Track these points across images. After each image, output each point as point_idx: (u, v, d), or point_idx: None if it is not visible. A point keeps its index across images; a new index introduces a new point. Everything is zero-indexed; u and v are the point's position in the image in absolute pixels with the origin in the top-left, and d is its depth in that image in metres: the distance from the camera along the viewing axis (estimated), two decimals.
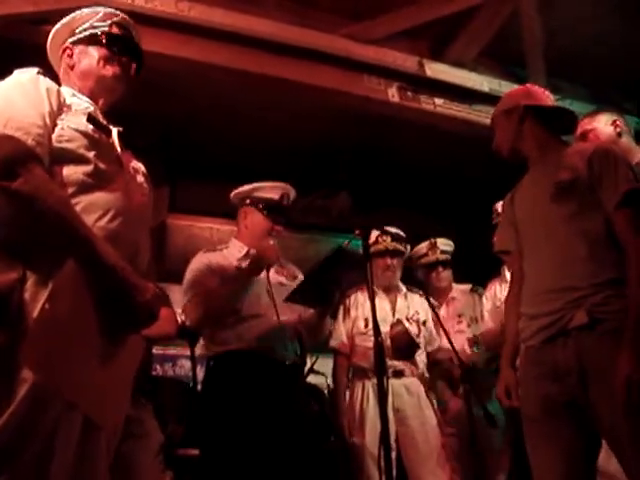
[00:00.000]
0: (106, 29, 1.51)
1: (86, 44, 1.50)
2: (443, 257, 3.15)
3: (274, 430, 2.03)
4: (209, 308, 2.15)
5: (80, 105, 1.38)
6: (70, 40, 1.52)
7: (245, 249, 2.28)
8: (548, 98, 1.89)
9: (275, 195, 2.29)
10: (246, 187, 2.36)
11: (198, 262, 2.28)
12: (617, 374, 1.44)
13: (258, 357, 2.12)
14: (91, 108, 1.40)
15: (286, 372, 2.15)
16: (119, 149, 1.42)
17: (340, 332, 2.90)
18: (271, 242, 2.22)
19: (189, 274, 2.26)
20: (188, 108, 3.70)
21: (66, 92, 1.40)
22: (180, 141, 3.96)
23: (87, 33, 1.51)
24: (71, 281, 1.16)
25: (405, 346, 2.68)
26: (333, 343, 2.92)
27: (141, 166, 1.50)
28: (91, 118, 1.35)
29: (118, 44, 1.50)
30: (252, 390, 2.05)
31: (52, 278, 1.14)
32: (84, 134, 1.31)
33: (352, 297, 2.92)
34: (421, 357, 2.80)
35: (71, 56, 1.50)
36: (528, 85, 2.03)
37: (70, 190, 1.24)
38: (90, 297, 1.18)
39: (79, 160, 1.28)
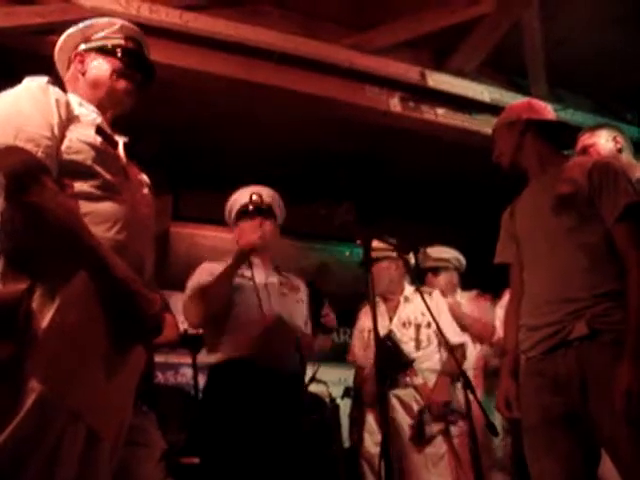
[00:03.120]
0: (122, 42, 1.52)
1: (100, 53, 1.50)
2: (433, 264, 3.24)
3: (272, 440, 2.02)
4: (206, 305, 2.17)
5: (88, 116, 1.39)
6: (83, 47, 1.52)
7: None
8: (550, 112, 1.91)
9: (245, 199, 2.36)
10: (226, 209, 2.44)
11: (199, 269, 2.32)
12: (617, 385, 1.44)
13: (257, 366, 2.12)
14: (99, 119, 1.41)
15: (285, 382, 2.15)
16: (125, 160, 1.43)
17: (353, 344, 2.93)
18: (258, 233, 2.25)
19: (192, 279, 2.30)
20: (191, 117, 3.73)
21: (74, 101, 1.40)
22: (183, 150, 3.98)
23: (101, 43, 1.52)
24: (80, 293, 1.17)
25: (389, 357, 2.66)
26: (348, 357, 2.95)
27: (145, 177, 1.51)
28: (99, 130, 1.36)
29: (132, 59, 1.52)
30: (250, 400, 2.05)
31: (60, 290, 1.15)
32: (92, 146, 1.31)
33: (363, 309, 2.94)
34: (427, 363, 2.76)
35: (82, 62, 1.51)
36: (530, 99, 2.04)
37: (78, 202, 1.25)
38: (99, 309, 1.18)
39: (87, 172, 1.28)
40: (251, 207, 2.33)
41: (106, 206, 1.28)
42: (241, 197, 2.39)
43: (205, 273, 2.27)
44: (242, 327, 2.15)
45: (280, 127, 3.85)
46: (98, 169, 1.30)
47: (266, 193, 2.38)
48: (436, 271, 3.26)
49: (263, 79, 3.25)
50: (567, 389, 1.56)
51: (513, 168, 1.87)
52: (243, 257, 2.19)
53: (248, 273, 2.25)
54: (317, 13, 3.52)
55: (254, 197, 2.35)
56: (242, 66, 3.19)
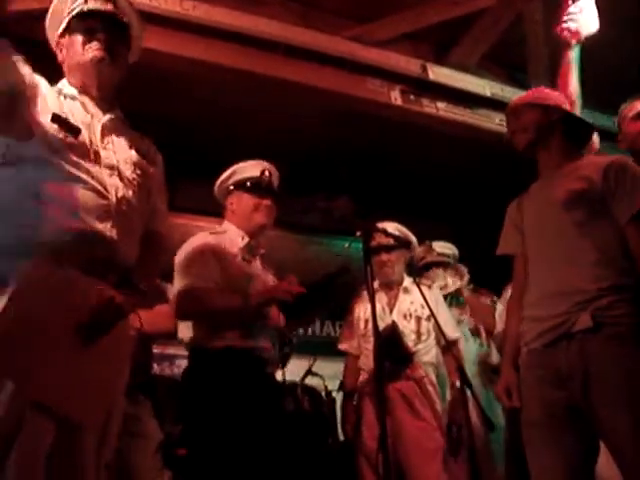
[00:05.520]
0: (80, 7, 1.40)
1: (68, 34, 1.42)
2: (438, 259, 3.22)
3: (263, 431, 2.00)
4: (203, 309, 2.06)
5: (50, 101, 1.34)
6: (57, 34, 1.44)
7: (247, 239, 2.18)
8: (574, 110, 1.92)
9: (255, 172, 2.24)
10: (226, 173, 2.30)
11: (201, 243, 2.13)
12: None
13: (247, 355, 2.06)
14: (55, 110, 1.34)
15: (272, 372, 2.12)
16: (99, 142, 1.37)
17: (348, 333, 2.90)
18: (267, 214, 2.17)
19: (189, 254, 2.11)
20: (190, 107, 3.70)
21: (43, 85, 1.35)
22: (181, 140, 3.95)
23: (66, 21, 1.42)
24: (34, 284, 1.15)
25: (392, 350, 2.64)
26: (341, 345, 2.92)
27: (133, 156, 1.45)
28: (56, 118, 1.31)
29: (91, 21, 1.39)
30: (240, 389, 2.00)
31: (13, 281, 1.13)
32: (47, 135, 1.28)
33: (358, 297, 2.92)
34: (427, 356, 2.76)
35: (61, 51, 1.44)
36: (561, 93, 2.04)
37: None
38: (55, 301, 1.17)
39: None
40: (264, 184, 2.20)
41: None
42: (250, 169, 2.24)
43: (207, 254, 2.09)
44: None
45: (279, 118, 3.82)
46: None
47: (274, 172, 2.27)
48: (441, 266, 3.26)
49: (262, 70, 3.23)
50: (568, 382, 1.56)
51: (528, 151, 1.83)
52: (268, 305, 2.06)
53: (250, 257, 2.18)
54: (317, 4, 3.50)
55: (266, 173, 2.22)
56: (241, 56, 3.17)
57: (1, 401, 1.07)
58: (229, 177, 2.29)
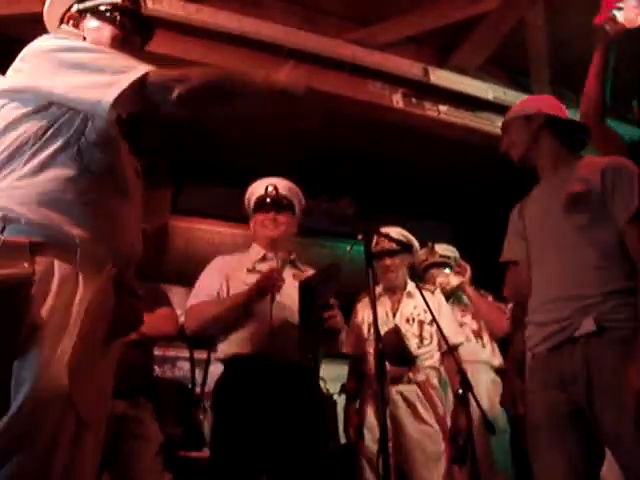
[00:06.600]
0: (118, 1, 1.36)
1: (95, 17, 1.36)
2: (440, 260, 3.23)
3: (277, 435, 2.01)
4: (206, 321, 2.14)
5: None
6: (77, 7, 1.38)
7: (262, 252, 2.29)
8: (566, 112, 1.91)
9: (261, 190, 2.35)
10: (245, 202, 2.42)
11: (211, 266, 2.30)
12: (627, 386, 1.43)
13: (268, 362, 2.09)
14: None
15: (296, 377, 2.13)
16: None
17: (351, 337, 2.90)
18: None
19: (201, 277, 2.28)
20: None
21: None
22: (184, 143, 3.96)
23: (97, 1, 1.36)
24: (103, 286, 1.16)
25: (395, 352, 2.64)
26: (345, 349, 2.92)
27: (137, 165, 1.43)
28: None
29: (130, 21, 1.37)
30: (259, 396, 2.03)
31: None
32: None
33: (361, 301, 2.92)
34: (430, 360, 2.75)
35: (77, 26, 1.38)
36: (549, 96, 2.03)
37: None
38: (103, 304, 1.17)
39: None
40: (267, 199, 2.32)
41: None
42: (257, 188, 2.37)
43: (214, 274, 2.23)
44: (250, 324, 2.12)
45: (281, 121, 3.82)
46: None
47: (282, 185, 2.36)
48: (446, 266, 3.27)
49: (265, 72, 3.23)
50: (573, 387, 1.56)
51: (524, 161, 1.85)
52: (263, 294, 2.11)
53: (261, 267, 2.23)
54: (320, 7, 3.51)
55: (269, 189, 2.33)
56: (244, 59, 3.18)
57: (46, 405, 1.05)
58: (247, 205, 2.42)
